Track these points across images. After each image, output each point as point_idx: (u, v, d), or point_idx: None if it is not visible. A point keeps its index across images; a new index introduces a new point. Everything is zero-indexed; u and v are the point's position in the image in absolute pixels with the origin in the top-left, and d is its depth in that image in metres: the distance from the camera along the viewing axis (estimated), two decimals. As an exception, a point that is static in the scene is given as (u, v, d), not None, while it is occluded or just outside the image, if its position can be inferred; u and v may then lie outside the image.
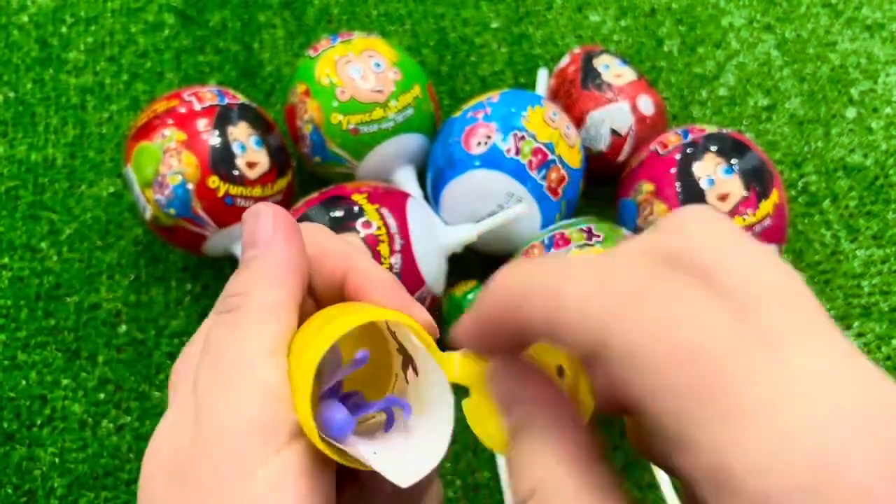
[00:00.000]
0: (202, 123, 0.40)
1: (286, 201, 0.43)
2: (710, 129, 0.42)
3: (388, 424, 0.19)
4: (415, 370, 0.19)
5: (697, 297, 0.14)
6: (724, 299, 0.14)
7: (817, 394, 0.12)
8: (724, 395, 0.13)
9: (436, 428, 0.18)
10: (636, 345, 0.14)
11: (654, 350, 0.13)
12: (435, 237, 0.40)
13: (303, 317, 0.19)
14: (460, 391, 0.19)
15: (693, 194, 0.39)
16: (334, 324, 0.18)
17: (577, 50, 0.49)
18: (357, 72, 0.42)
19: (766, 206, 0.40)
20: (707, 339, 0.13)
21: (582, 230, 0.39)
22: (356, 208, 0.38)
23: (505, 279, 0.17)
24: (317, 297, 0.21)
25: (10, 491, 0.40)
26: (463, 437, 0.40)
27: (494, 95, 0.43)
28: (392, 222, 0.38)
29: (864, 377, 0.13)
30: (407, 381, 0.20)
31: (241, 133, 0.41)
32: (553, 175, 0.41)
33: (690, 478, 0.13)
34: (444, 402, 0.18)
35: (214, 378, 0.18)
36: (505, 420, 0.17)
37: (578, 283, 0.15)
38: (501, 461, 0.40)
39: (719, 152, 0.40)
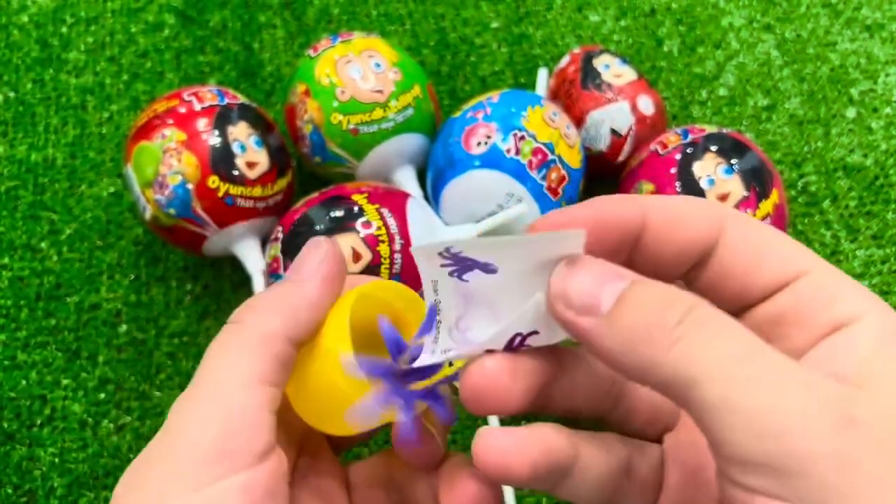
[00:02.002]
0: (202, 123, 0.41)
1: (286, 201, 0.44)
2: (710, 129, 0.42)
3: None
4: None
5: None
6: None
7: None
8: None
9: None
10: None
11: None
12: (435, 237, 0.40)
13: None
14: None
15: (693, 194, 0.40)
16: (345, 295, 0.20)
17: (576, 50, 0.49)
18: (357, 72, 0.42)
19: (766, 206, 0.40)
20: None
21: (582, 230, 0.39)
22: (356, 208, 0.38)
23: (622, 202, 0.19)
24: None
25: (10, 491, 0.40)
26: (462, 437, 0.40)
27: (494, 95, 0.43)
28: (392, 222, 0.38)
29: None
30: None
31: (240, 133, 0.41)
32: (553, 175, 0.41)
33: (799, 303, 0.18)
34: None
35: (189, 397, 0.18)
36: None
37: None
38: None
39: (719, 152, 0.40)
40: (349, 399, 0.19)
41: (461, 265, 0.18)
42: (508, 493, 0.40)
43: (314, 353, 0.19)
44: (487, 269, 0.18)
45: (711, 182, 0.39)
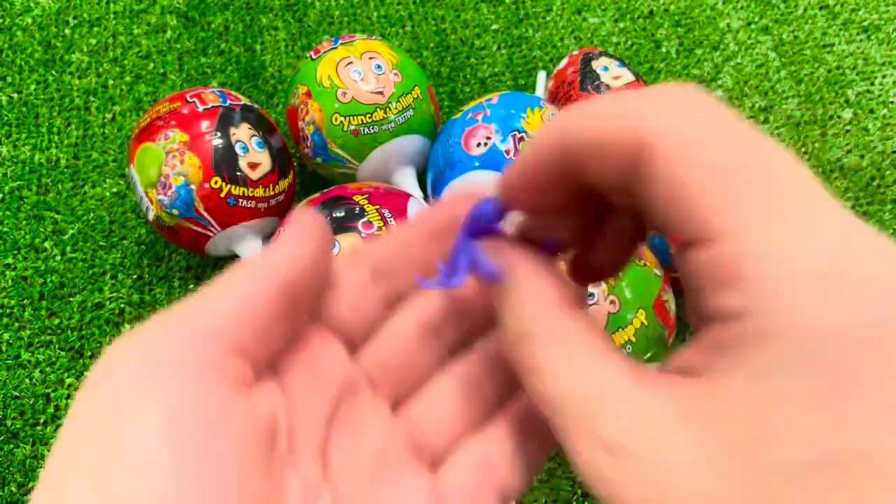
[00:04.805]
0: (205, 125, 0.41)
1: (287, 202, 0.44)
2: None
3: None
4: None
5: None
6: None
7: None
8: (761, 192, 0.13)
9: None
10: (679, 135, 0.14)
11: (701, 137, 0.14)
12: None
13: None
14: None
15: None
16: None
17: (575, 52, 0.49)
18: (358, 74, 0.43)
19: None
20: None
21: (580, 230, 0.39)
22: (357, 209, 0.39)
23: (542, 131, 0.17)
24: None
25: (14, 489, 0.41)
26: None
27: (494, 97, 0.43)
28: (393, 223, 0.38)
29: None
30: None
31: (243, 134, 0.42)
32: (552, 176, 0.41)
33: (700, 273, 0.14)
34: None
35: None
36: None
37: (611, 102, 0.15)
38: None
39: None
40: None
41: None
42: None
43: None
44: None
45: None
